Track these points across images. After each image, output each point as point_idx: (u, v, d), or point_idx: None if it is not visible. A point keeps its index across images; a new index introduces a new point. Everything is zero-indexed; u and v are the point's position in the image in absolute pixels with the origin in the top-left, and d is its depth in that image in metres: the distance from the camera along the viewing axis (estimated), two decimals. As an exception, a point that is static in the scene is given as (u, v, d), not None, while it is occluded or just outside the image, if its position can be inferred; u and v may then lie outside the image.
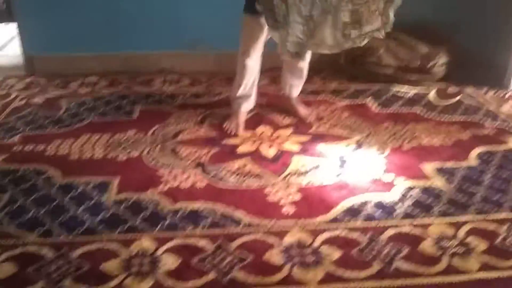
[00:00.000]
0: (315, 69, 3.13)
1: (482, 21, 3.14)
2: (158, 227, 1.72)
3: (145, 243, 1.64)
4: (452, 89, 3.03)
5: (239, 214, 1.80)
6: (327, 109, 2.70)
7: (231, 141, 2.36)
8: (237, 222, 1.75)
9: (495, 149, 2.30)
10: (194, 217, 1.77)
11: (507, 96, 2.96)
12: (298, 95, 2.64)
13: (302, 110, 2.60)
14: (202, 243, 1.64)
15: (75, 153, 2.23)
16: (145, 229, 1.71)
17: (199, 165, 2.13)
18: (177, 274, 1.51)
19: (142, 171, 2.08)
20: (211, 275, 1.51)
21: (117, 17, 3.09)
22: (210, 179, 2.02)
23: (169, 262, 1.56)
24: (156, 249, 1.61)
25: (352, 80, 3.11)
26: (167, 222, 1.75)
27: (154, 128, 2.46)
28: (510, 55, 2.99)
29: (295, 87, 2.59)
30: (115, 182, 1.99)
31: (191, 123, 2.52)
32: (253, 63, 2.35)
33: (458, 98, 2.90)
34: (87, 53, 3.18)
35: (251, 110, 2.55)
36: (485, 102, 2.85)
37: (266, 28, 2.16)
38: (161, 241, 1.65)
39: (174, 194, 1.91)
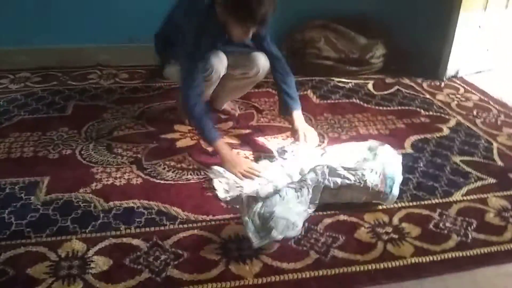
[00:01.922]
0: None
1: (417, 15, 3.22)
2: (90, 227, 1.65)
3: (75, 244, 1.56)
4: (389, 80, 3.09)
5: (175, 210, 1.75)
6: (268, 101, 2.69)
7: (170, 135, 2.30)
8: (174, 219, 1.71)
9: (430, 136, 2.37)
10: (128, 216, 1.71)
11: (442, 85, 3.05)
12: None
13: (226, 105, 2.57)
14: (136, 242, 1.59)
15: (3, 152, 2.10)
16: (75, 230, 1.63)
17: (135, 161, 2.06)
18: (108, 276, 1.45)
19: (74, 169, 1.99)
20: (145, 274, 1.46)
21: (49, 9, 2.94)
22: (146, 175, 1.96)
23: (100, 263, 1.49)
24: (87, 251, 1.54)
25: (293, 74, 3.10)
26: (99, 222, 1.68)
27: (88, 125, 2.36)
28: (443, 47, 3.08)
29: (224, 103, 2.56)
30: (45, 182, 1.89)
31: (128, 119, 2.44)
32: None
33: (395, 88, 2.97)
34: (19, 47, 3.02)
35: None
36: (420, 92, 2.93)
37: None
38: (92, 242, 1.58)
39: (108, 192, 1.84)
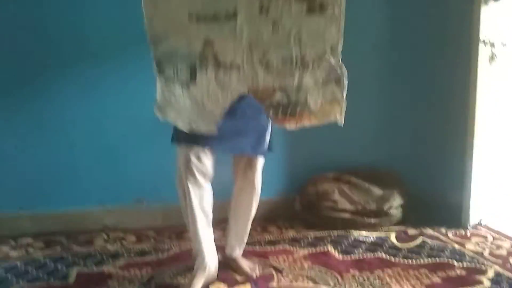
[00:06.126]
0: (269, 218, 3.03)
1: (434, 163, 3.20)
2: None
3: None
4: (412, 231, 2.93)
5: None
6: (287, 259, 2.49)
7: (183, 302, 2.06)
8: None
9: (473, 291, 2.13)
10: None
11: (468, 234, 2.88)
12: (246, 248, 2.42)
13: (245, 264, 2.33)
14: None
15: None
16: None
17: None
18: None
19: None
20: None
21: (51, 171, 2.90)
22: None
23: None
24: None
25: (310, 228, 2.96)
26: None
27: (91, 294, 2.13)
28: (463, 195, 2.98)
29: (236, 247, 2.35)
30: None
31: (135, 285, 2.22)
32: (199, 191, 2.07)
33: (420, 239, 2.79)
34: (20, 212, 2.89)
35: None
36: (448, 242, 2.74)
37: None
38: None
39: None
